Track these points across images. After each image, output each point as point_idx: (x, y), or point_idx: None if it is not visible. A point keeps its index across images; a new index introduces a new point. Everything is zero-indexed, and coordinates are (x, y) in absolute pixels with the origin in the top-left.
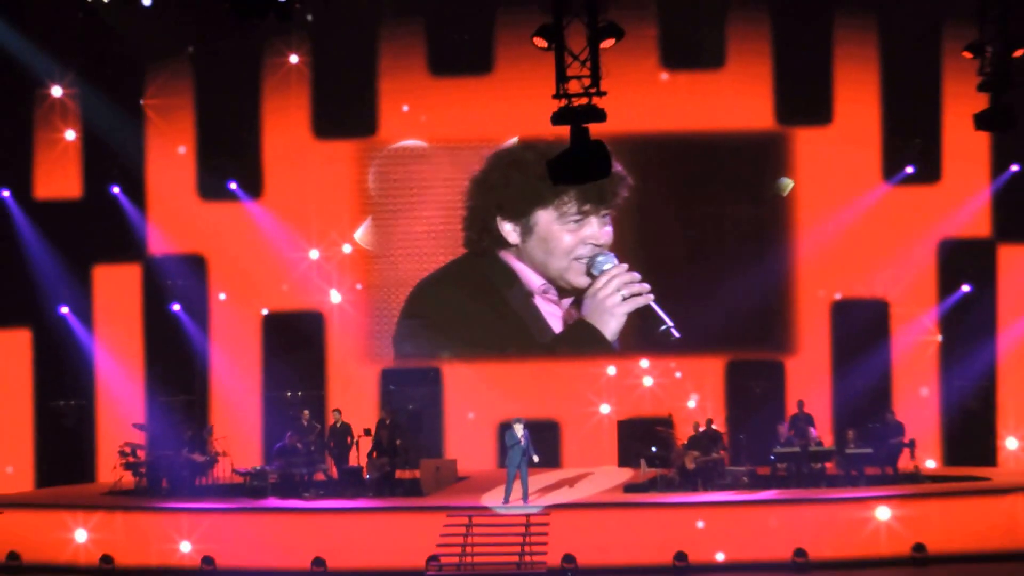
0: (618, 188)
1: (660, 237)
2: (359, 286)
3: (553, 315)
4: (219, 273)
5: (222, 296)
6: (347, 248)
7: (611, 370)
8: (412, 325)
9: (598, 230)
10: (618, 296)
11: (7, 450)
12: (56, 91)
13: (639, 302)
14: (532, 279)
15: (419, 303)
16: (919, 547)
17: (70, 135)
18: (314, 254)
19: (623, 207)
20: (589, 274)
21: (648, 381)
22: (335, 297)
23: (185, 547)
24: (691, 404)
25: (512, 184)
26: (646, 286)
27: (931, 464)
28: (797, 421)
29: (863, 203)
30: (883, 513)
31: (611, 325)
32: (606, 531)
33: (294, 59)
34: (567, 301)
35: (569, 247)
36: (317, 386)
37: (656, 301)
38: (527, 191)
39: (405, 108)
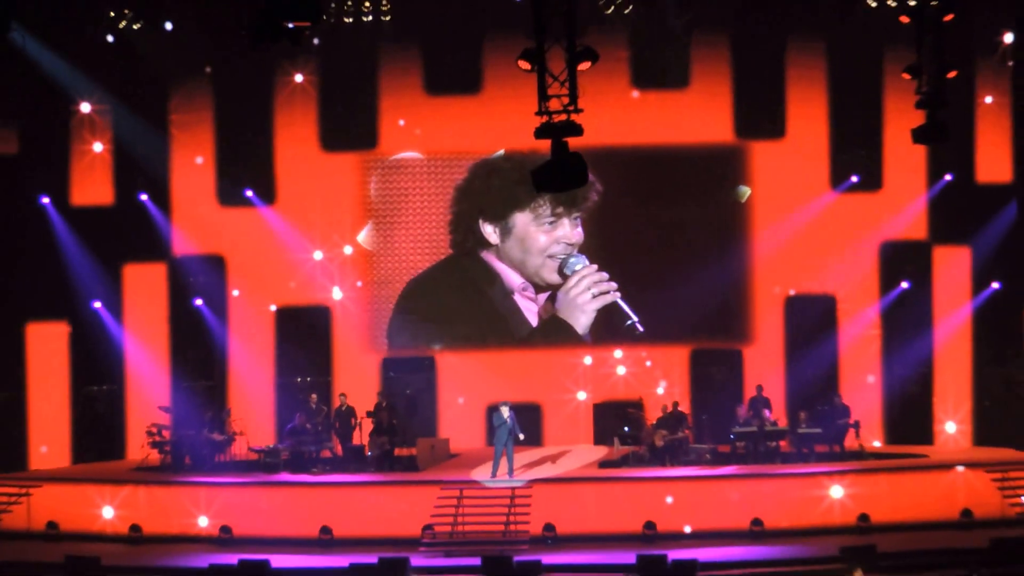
0: (588, 193)
1: (630, 239)
2: (359, 283)
3: (530, 311)
4: (236, 272)
5: (235, 292)
6: (348, 249)
7: (587, 360)
8: (404, 320)
9: (570, 231)
10: (588, 294)
11: (47, 430)
12: (88, 108)
13: (607, 299)
14: (512, 278)
15: (410, 300)
16: (863, 517)
17: (101, 147)
18: (319, 255)
19: (597, 211)
20: (561, 273)
21: (621, 370)
22: (337, 294)
23: (204, 518)
24: (660, 390)
25: (492, 190)
26: (613, 284)
27: (875, 443)
28: (755, 404)
29: (813, 209)
30: (836, 491)
31: (581, 320)
32: (583, 502)
33: (299, 78)
34: (543, 296)
35: (544, 246)
36: (324, 373)
37: (624, 298)
38: (505, 196)
39: (401, 123)
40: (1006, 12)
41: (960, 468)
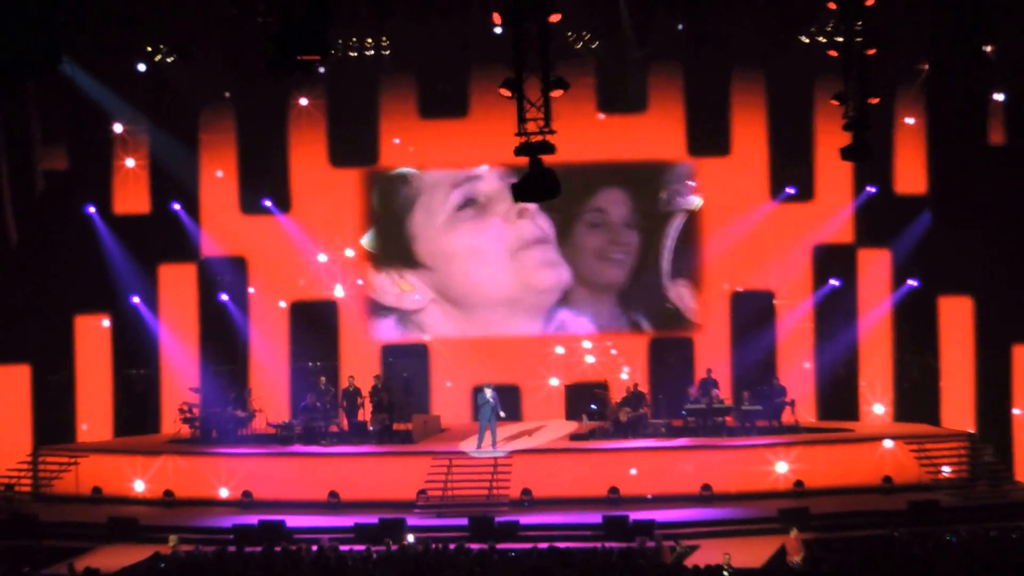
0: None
1: (601, 244)
2: (360, 281)
3: None
4: (256, 271)
5: (252, 290)
6: (351, 252)
7: (560, 349)
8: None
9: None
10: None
11: (92, 408)
12: (128, 129)
13: None
14: None
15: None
16: (798, 483)
17: (133, 163)
18: (326, 257)
19: (571, 215)
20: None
21: (590, 359)
22: (341, 291)
23: (227, 486)
24: (623, 375)
25: None
26: None
27: (809, 419)
28: (704, 385)
29: (754, 216)
30: (775, 461)
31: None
32: (556, 470)
33: (308, 102)
34: None
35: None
36: (331, 358)
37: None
38: None
39: (396, 141)
40: (920, 47)
41: (886, 442)
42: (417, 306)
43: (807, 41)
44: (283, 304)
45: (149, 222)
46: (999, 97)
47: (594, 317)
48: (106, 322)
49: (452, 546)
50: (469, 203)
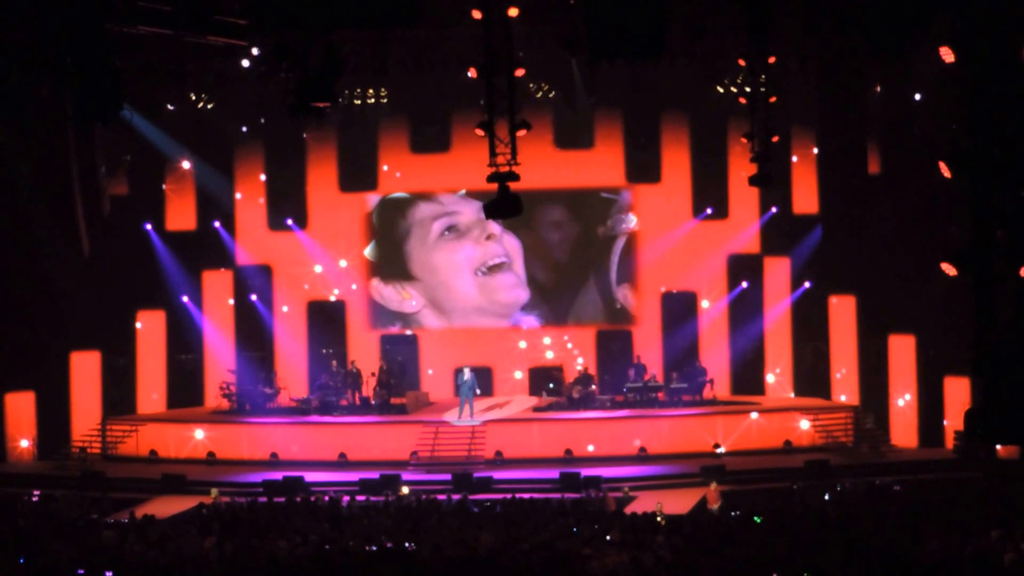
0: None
1: (557, 253)
2: (354, 287)
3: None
4: (280, 276)
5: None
6: (355, 260)
7: (523, 344)
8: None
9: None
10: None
11: (150, 385)
12: (180, 163)
13: None
14: None
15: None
16: (716, 445)
17: (184, 189)
18: (339, 264)
19: (531, 234)
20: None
21: (549, 347)
22: (349, 291)
23: (257, 448)
24: (578, 361)
25: None
26: None
27: (725, 394)
28: (638, 368)
29: (680, 231)
30: (697, 426)
31: None
32: (522, 436)
33: (323, 140)
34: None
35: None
36: (340, 346)
37: (549, 299)
38: None
39: (386, 167)
40: (811, 96)
41: (800, 420)
42: (414, 310)
43: (722, 90)
44: (300, 303)
45: (195, 237)
46: (875, 138)
47: (552, 315)
48: (161, 316)
49: (441, 496)
50: (450, 229)
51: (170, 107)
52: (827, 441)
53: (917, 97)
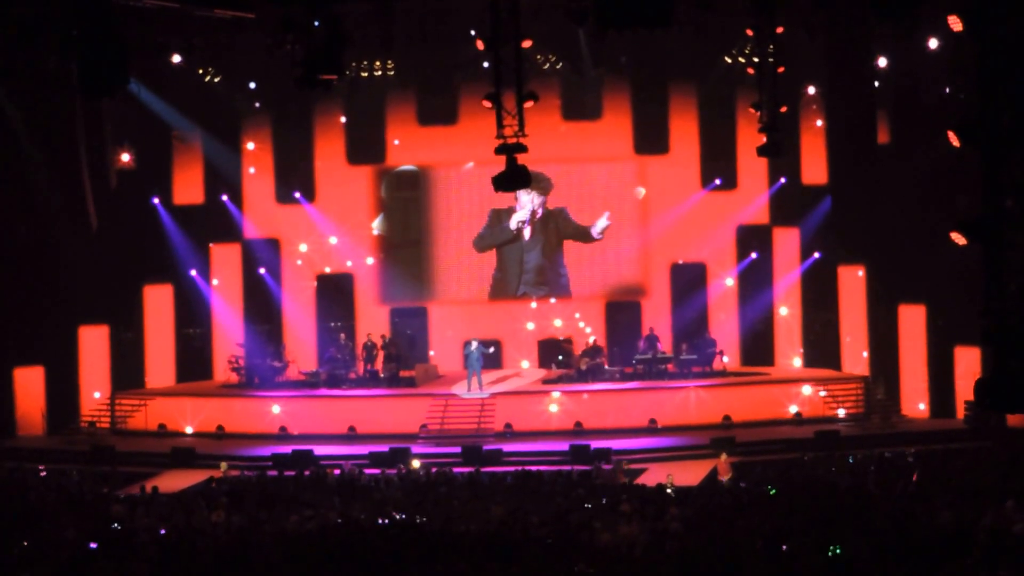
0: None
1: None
2: (370, 260)
3: None
4: (288, 249)
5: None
6: (366, 233)
7: (530, 326)
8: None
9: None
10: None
11: (158, 360)
12: (185, 136)
13: None
14: None
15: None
16: (727, 417)
17: (192, 163)
18: (343, 238)
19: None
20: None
21: (558, 322)
22: (357, 264)
23: (266, 422)
24: (590, 337)
25: None
26: None
27: (734, 365)
28: (649, 340)
29: (689, 203)
30: (706, 398)
31: None
32: (531, 408)
33: (331, 112)
34: None
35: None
36: (349, 319)
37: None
38: None
39: (395, 142)
40: (820, 65)
41: (804, 388)
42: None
43: (730, 60)
44: (309, 276)
45: (203, 211)
46: (884, 106)
47: (562, 286)
48: (169, 290)
49: (451, 469)
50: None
51: (176, 77)
52: (837, 412)
53: (925, 67)
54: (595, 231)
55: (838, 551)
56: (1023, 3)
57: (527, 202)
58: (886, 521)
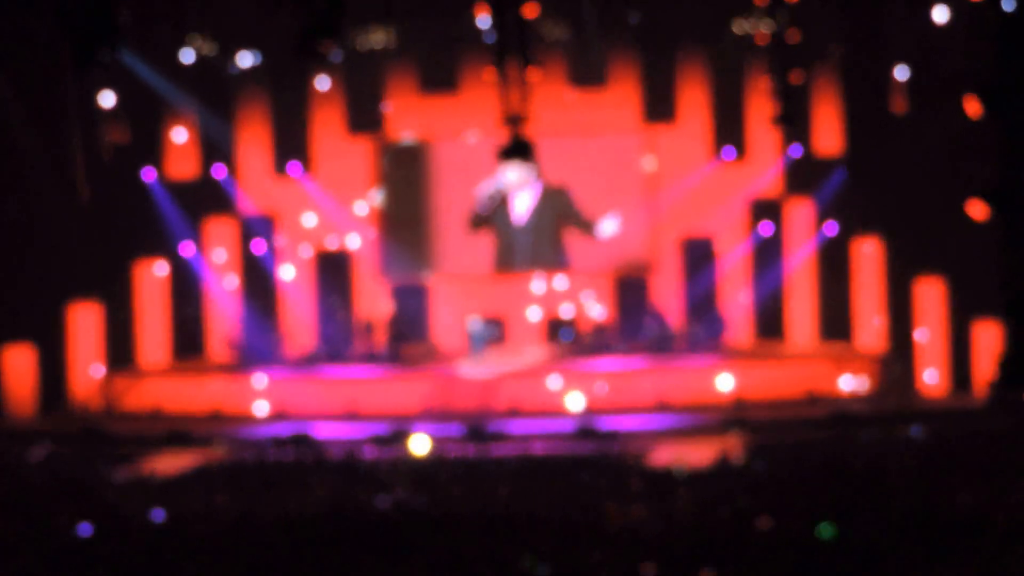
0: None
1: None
2: (370, 235)
3: None
4: (285, 224)
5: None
6: (364, 207)
7: (535, 305)
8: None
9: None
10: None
11: (153, 337)
12: (177, 108)
13: None
14: None
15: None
16: (737, 396)
17: (187, 136)
18: (344, 211)
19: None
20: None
21: (565, 302)
22: (357, 240)
23: (264, 402)
24: (597, 314)
25: None
26: None
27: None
28: (657, 317)
29: (699, 175)
30: (719, 377)
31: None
32: (536, 388)
33: (329, 81)
34: None
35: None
36: (349, 296)
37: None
38: None
39: (389, 109)
40: (833, 32)
41: (818, 364)
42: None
43: (740, 30)
44: (307, 251)
45: (198, 185)
46: (901, 74)
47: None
48: (163, 266)
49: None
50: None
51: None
52: (852, 389)
53: (942, 35)
54: (600, 232)
55: (834, 534)
56: None
57: (509, 179)
58: (903, 503)
